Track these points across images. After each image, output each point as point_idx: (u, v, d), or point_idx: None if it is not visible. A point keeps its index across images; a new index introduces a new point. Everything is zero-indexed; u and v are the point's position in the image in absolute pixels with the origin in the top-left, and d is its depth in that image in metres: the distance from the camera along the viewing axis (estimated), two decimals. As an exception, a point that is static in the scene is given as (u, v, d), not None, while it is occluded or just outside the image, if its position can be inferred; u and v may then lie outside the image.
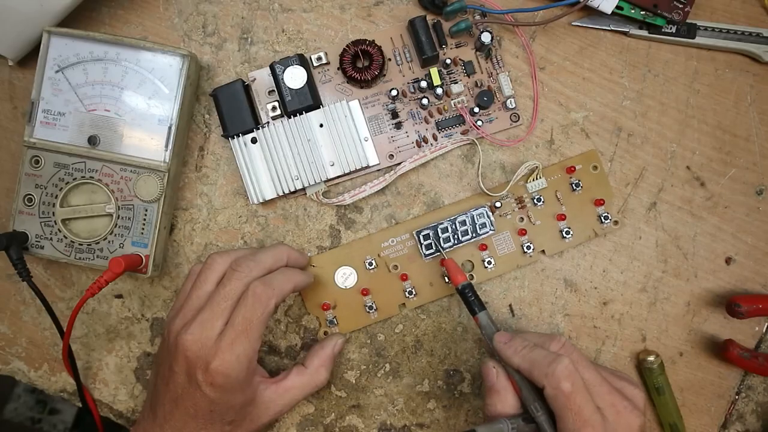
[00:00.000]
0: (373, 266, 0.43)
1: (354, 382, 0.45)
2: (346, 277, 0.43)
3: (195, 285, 0.38)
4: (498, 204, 0.43)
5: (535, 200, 0.43)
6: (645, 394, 0.37)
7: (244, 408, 0.38)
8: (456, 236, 0.42)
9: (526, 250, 0.43)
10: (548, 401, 0.33)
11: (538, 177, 0.43)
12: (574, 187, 0.43)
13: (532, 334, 0.38)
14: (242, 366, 0.36)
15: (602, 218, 0.43)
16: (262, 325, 0.36)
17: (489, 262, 0.43)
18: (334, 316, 0.44)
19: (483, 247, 0.43)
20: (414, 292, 0.43)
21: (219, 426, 0.37)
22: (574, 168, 0.43)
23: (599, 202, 0.43)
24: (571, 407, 0.32)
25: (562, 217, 0.43)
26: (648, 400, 0.44)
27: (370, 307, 0.43)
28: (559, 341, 0.36)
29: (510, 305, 0.45)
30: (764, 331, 0.45)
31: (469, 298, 0.39)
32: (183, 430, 0.37)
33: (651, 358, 0.43)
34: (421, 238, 0.42)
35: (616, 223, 0.44)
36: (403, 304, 0.44)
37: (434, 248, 0.42)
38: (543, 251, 0.44)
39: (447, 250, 0.42)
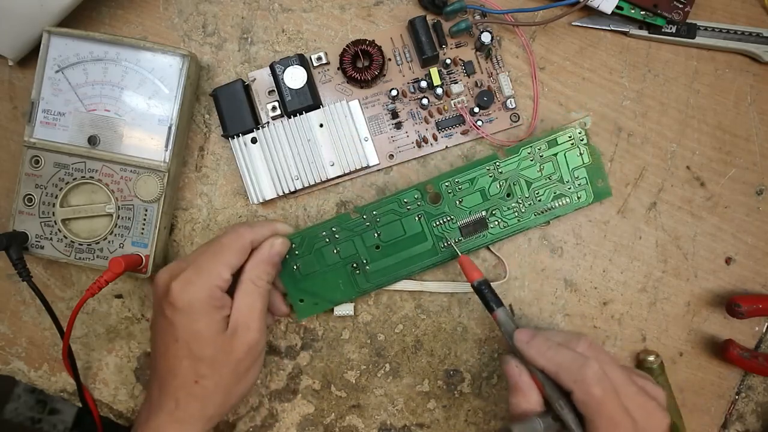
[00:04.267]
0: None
1: (354, 382, 0.45)
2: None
3: None
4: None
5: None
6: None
7: (213, 350, 0.36)
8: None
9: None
10: (577, 406, 0.33)
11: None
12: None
13: (555, 333, 0.37)
14: (203, 287, 0.36)
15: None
16: (232, 253, 0.37)
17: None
18: None
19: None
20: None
21: (190, 364, 0.36)
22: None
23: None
24: (602, 412, 0.32)
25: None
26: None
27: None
28: (585, 342, 0.35)
29: (510, 305, 0.45)
30: (764, 331, 0.45)
31: (486, 295, 0.38)
32: (159, 372, 0.37)
33: (651, 358, 0.43)
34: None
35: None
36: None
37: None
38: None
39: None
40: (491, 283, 0.39)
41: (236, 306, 0.37)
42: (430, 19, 0.43)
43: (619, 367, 0.34)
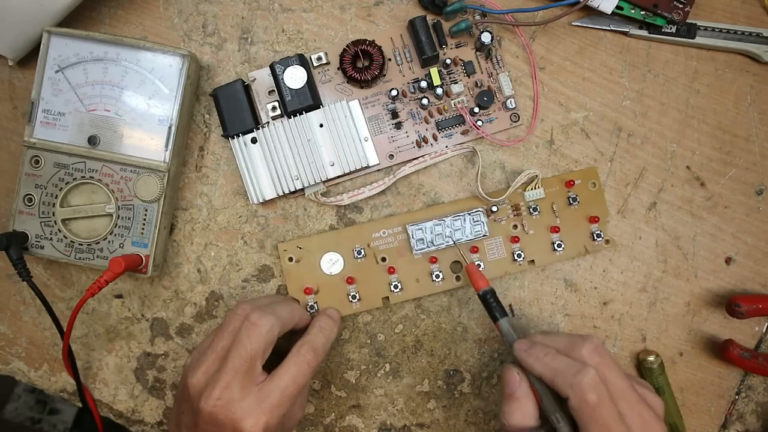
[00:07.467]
0: (361, 255, 0.43)
1: (354, 382, 0.45)
2: (332, 263, 0.43)
3: (218, 334, 0.37)
4: (494, 208, 0.43)
5: (531, 209, 0.43)
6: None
7: None
8: (450, 236, 0.42)
9: (516, 258, 0.43)
10: (572, 412, 0.32)
11: (537, 186, 0.43)
12: (571, 202, 0.43)
13: (560, 336, 0.36)
14: (278, 417, 0.35)
15: (595, 236, 0.43)
16: (266, 351, 0.35)
17: (479, 266, 0.43)
18: (315, 302, 0.43)
19: (474, 250, 0.43)
20: (400, 287, 0.43)
21: None
22: (573, 182, 0.43)
23: (593, 220, 0.43)
24: (596, 419, 0.31)
25: (555, 230, 0.43)
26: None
27: (353, 297, 0.43)
28: (590, 345, 0.34)
29: (510, 305, 0.45)
30: (764, 331, 0.45)
31: (491, 304, 0.38)
32: None
33: (651, 358, 0.43)
34: (413, 233, 0.42)
35: (607, 242, 0.44)
36: (387, 297, 0.43)
37: (426, 245, 0.42)
38: (533, 261, 0.43)
39: (438, 248, 0.43)
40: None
41: (281, 386, 0.35)
42: (430, 19, 0.43)
43: (621, 373, 0.34)
